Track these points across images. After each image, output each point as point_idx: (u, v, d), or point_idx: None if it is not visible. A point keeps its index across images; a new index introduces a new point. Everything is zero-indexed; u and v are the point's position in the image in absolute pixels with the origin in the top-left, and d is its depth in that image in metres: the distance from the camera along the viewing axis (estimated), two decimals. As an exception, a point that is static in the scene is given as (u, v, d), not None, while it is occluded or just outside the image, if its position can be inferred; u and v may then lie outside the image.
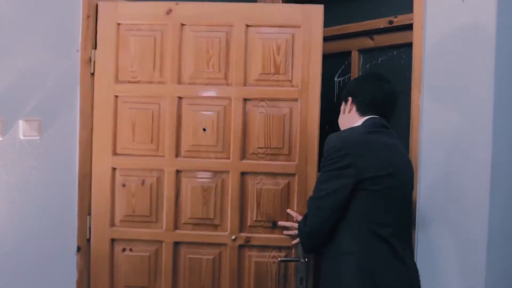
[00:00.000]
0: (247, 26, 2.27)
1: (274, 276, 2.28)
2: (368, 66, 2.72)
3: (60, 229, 2.30)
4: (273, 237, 2.28)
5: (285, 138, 2.27)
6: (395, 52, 2.59)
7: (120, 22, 2.30)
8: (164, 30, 2.30)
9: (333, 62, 2.84)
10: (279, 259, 2.25)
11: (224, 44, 2.28)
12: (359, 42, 2.72)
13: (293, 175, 2.27)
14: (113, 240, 2.32)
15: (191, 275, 2.31)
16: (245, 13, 2.27)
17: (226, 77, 2.30)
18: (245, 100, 2.28)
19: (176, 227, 2.31)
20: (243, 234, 2.29)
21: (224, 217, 2.30)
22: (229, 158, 2.29)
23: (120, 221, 2.32)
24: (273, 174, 2.28)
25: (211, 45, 2.28)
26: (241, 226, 2.30)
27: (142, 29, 2.30)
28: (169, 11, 2.28)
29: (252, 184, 2.29)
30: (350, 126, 1.91)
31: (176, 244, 2.31)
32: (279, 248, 2.29)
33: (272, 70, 2.27)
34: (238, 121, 2.28)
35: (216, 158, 2.30)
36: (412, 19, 2.22)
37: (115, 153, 2.32)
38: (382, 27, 2.57)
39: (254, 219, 2.29)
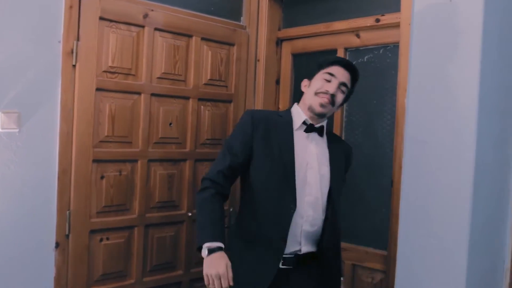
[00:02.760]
0: (202, 39, 2.73)
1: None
2: (354, 63, 2.56)
3: (38, 225, 2.19)
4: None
5: (223, 132, 2.88)
6: (381, 51, 2.57)
7: (102, 16, 2.33)
8: (141, 32, 2.49)
9: (318, 59, 2.78)
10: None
11: (185, 51, 2.67)
12: (345, 39, 2.68)
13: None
14: (92, 232, 2.36)
15: (158, 252, 2.61)
16: (201, 28, 2.72)
17: (186, 80, 2.69)
18: (199, 100, 2.75)
19: (146, 211, 2.56)
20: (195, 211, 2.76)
21: (182, 198, 2.71)
22: (186, 148, 2.71)
23: (98, 212, 2.38)
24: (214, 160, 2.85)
25: (177, 51, 2.63)
26: (194, 204, 2.76)
27: (122, 28, 2.41)
28: (145, 15, 2.48)
29: (201, 169, 2.78)
30: None
31: (146, 226, 2.56)
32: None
33: (217, 77, 2.82)
34: (194, 117, 2.72)
35: (177, 148, 2.68)
36: (400, 18, 2.31)
37: (95, 146, 2.35)
38: (368, 25, 2.56)
39: (203, 197, 2.80)
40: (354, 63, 2.61)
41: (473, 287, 2.03)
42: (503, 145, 2.16)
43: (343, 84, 1.94)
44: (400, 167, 2.24)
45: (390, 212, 2.36)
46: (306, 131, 1.96)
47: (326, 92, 1.90)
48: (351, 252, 2.59)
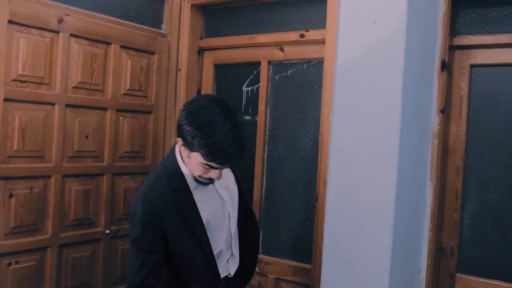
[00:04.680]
0: (121, 47, 2.60)
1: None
2: (277, 77, 2.70)
3: None
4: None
5: (142, 144, 2.75)
6: (305, 66, 2.58)
7: (11, 19, 2.13)
8: (55, 38, 2.30)
9: (241, 71, 2.83)
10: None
11: (103, 60, 2.52)
12: (269, 53, 2.68)
13: (146, 173, 2.79)
14: (-2, 256, 2.15)
15: (73, 274, 2.44)
16: (120, 35, 2.58)
17: (103, 89, 2.54)
18: (117, 111, 2.60)
19: (60, 230, 2.38)
20: (113, 227, 2.62)
21: (99, 214, 2.56)
22: (104, 162, 2.56)
23: (5, 234, 2.17)
24: (133, 174, 2.72)
25: (94, 59, 2.47)
26: (112, 220, 2.62)
27: (34, 33, 2.22)
28: (60, 20, 2.30)
29: (120, 183, 2.65)
30: None
31: (60, 247, 2.38)
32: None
33: (137, 87, 2.70)
34: (112, 129, 2.58)
35: (94, 162, 2.52)
36: (324, 35, 2.34)
37: (3, 161, 2.14)
38: (293, 39, 2.57)
39: (121, 213, 2.66)
40: (277, 76, 2.69)
41: (394, 298, 2.12)
42: (420, 161, 2.28)
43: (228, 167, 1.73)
44: (325, 183, 2.28)
45: (314, 226, 2.40)
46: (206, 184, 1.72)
47: (210, 179, 1.66)
48: (274, 266, 2.60)
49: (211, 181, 1.69)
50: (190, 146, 1.57)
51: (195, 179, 1.67)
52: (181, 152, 1.67)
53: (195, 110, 1.56)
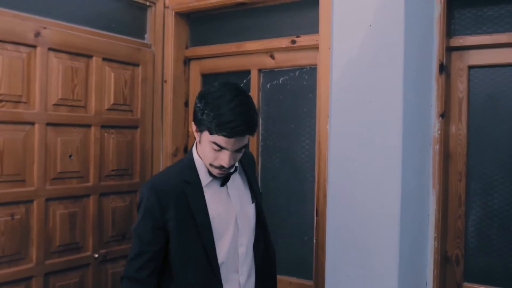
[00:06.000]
0: (103, 59, 2.46)
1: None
2: (268, 86, 2.60)
3: None
4: (123, 247, 2.59)
5: (130, 161, 2.62)
6: (297, 73, 2.50)
7: (-16, 35, 1.99)
8: (32, 53, 2.16)
9: (231, 81, 2.63)
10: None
11: (85, 74, 2.38)
12: (259, 60, 2.58)
13: (135, 191, 2.65)
14: (-22, 291, 1.99)
15: (60, 303, 2.30)
16: (102, 47, 2.45)
17: (86, 105, 2.40)
18: (102, 127, 2.47)
19: (45, 258, 2.23)
20: (102, 251, 2.48)
21: (87, 238, 2.41)
22: (89, 182, 2.42)
23: (-15, 266, 2.02)
24: (121, 193, 2.58)
25: (75, 73, 2.33)
26: (100, 243, 2.48)
27: (9, 48, 2.07)
28: (37, 34, 2.17)
29: (107, 203, 2.50)
30: None
31: (46, 275, 2.23)
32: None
33: (121, 101, 2.56)
34: (97, 146, 2.44)
35: (79, 183, 2.37)
36: (317, 40, 2.24)
37: (-20, 188, 1.99)
38: (284, 46, 2.47)
39: (110, 234, 2.52)
40: (268, 85, 2.60)
41: (402, 313, 2.03)
42: (423, 168, 2.20)
43: (238, 150, 1.59)
44: (325, 195, 2.18)
45: (314, 240, 2.30)
46: (221, 185, 1.68)
47: (221, 167, 1.60)
48: (273, 283, 2.49)
49: (224, 176, 1.65)
50: (199, 124, 1.56)
51: (209, 173, 1.64)
52: (196, 143, 1.68)
53: (207, 89, 1.59)
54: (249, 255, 1.75)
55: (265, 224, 1.80)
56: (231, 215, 1.68)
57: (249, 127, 1.53)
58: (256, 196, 1.78)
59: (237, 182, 1.75)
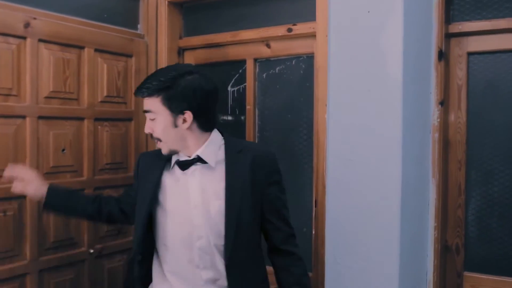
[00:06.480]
0: (95, 50, 2.40)
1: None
2: (264, 75, 2.54)
3: None
4: (119, 242, 2.55)
5: (124, 154, 2.57)
6: (294, 62, 2.44)
7: (-29, 27, 1.93)
8: (22, 45, 2.10)
9: (226, 71, 2.65)
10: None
11: (77, 65, 2.32)
12: (255, 49, 2.52)
13: (130, 185, 2.60)
14: (-30, 289, 1.95)
15: (56, 300, 2.25)
16: (94, 38, 2.39)
17: (79, 98, 2.35)
18: (95, 120, 2.41)
19: (40, 254, 2.18)
20: (98, 246, 2.43)
21: (82, 234, 2.36)
22: (83, 176, 2.37)
23: (-22, 263, 1.97)
24: (116, 187, 2.53)
25: (67, 65, 2.27)
26: (96, 238, 2.43)
27: (-3, 40, 2.02)
28: (27, 25, 2.10)
29: (102, 197, 2.46)
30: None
31: (41, 272, 2.19)
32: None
33: (115, 93, 2.51)
34: (91, 140, 2.39)
35: (73, 177, 2.32)
36: (314, 28, 2.19)
37: (-29, 184, 1.94)
38: (280, 34, 2.41)
39: (105, 229, 2.48)
40: (264, 74, 2.56)
41: (403, 304, 2.00)
42: (422, 157, 2.17)
43: (146, 112, 1.64)
44: (324, 186, 2.15)
45: (313, 232, 2.27)
46: (183, 169, 1.68)
47: (151, 136, 1.72)
48: (271, 276, 2.45)
49: (182, 162, 1.68)
50: None
51: (177, 162, 1.71)
52: None
53: None
54: (215, 253, 1.67)
55: (248, 233, 1.71)
56: (186, 203, 1.67)
57: (142, 85, 1.61)
58: (235, 196, 1.64)
59: (208, 175, 1.67)
